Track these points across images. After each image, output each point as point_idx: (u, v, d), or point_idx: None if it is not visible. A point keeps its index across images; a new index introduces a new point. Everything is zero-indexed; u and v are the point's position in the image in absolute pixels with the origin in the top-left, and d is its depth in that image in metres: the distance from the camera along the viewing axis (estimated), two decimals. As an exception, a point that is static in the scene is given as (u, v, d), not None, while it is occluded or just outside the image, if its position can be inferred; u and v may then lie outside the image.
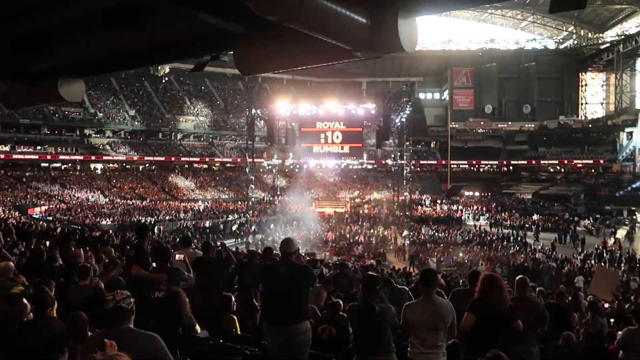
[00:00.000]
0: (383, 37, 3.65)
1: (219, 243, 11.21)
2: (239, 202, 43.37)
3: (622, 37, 59.50)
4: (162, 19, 4.08)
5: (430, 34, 68.21)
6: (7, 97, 6.47)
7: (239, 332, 4.56)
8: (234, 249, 14.46)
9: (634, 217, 36.99)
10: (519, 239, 29.81)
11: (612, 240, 28.37)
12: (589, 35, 66.72)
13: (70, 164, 48.00)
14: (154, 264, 5.25)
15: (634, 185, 48.55)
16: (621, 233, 31.54)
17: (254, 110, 39.36)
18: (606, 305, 9.92)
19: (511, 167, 63.39)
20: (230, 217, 36.02)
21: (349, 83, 70.14)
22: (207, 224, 32.93)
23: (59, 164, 47.27)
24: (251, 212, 37.62)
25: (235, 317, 4.66)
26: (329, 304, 5.10)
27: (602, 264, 22.17)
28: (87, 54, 5.28)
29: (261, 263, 6.99)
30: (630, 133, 55.35)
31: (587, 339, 5.56)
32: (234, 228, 32.34)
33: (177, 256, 6.46)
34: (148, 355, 2.49)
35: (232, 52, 4.79)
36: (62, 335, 1.83)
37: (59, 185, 42.83)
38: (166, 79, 62.51)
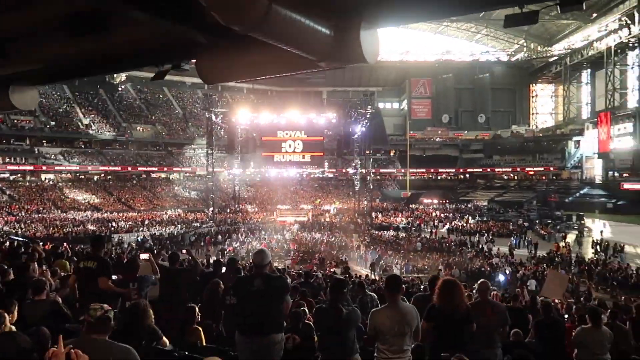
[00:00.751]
0: (346, 48, 3.74)
1: (184, 251, 10.98)
2: (199, 212, 42.61)
3: (569, 50, 62.72)
4: (126, 25, 4.03)
5: (389, 44, 69.63)
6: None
7: (204, 344, 4.50)
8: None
9: (582, 222, 38.75)
10: (475, 244, 30.66)
11: (563, 244, 29.58)
12: (539, 48, 69.96)
13: (19, 174, 45.91)
14: (114, 276, 5.11)
15: (582, 192, 51.00)
16: (571, 237, 32.94)
17: (213, 119, 38.92)
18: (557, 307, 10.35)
19: (467, 175, 65.29)
20: (193, 226, 35.31)
21: (309, 92, 70.53)
22: (167, 235, 32.13)
23: (7, 174, 45.12)
24: (211, 222, 37.08)
25: (200, 328, 4.60)
26: (292, 312, 5.11)
27: (554, 268, 23.07)
28: (45, 61, 5.13)
29: (226, 275, 6.89)
30: (578, 142, 58.24)
31: (544, 311, 5.91)
32: (192, 239, 31.69)
33: (142, 256, 6.34)
34: None
35: (194, 61, 4.77)
36: (27, 351, 1.77)
37: (7, 197, 40.85)
38: (122, 86, 60.94)
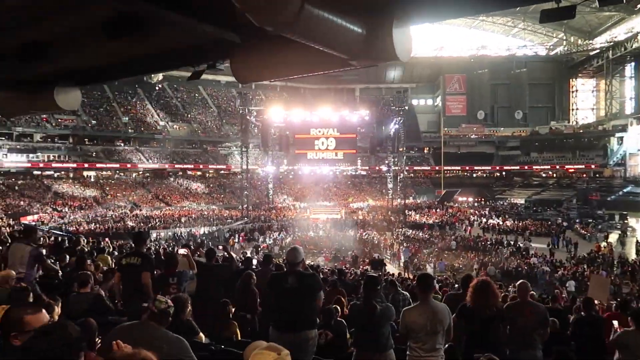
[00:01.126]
0: (378, 46, 3.73)
1: (220, 247, 11.22)
2: (233, 210, 43.27)
3: (612, 43, 60.25)
4: (162, 28, 4.15)
5: (423, 40, 68.72)
6: (4, 105, 6.49)
7: (239, 338, 4.59)
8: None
9: (626, 221, 37.31)
10: (512, 243, 29.97)
11: (605, 244, 28.57)
12: (579, 41, 67.50)
13: (62, 172, 47.75)
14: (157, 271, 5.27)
15: (625, 190, 49.00)
16: (613, 237, 31.78)
17: (247, 117, 39.42)
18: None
19: (504, 173, 63.78)
20: (228, 224, 35.93)
21: (342, 90, 70.44)
22: (202, 231, 32.82)
23: (52, 172, 47.02)
24: (245, 219, 37.59)
25: (235, 323, 4.69)
26: (324, 309, 5.15)
27: (595, 269, 22.33)
28: (86, 62, 5.33)
29: (262, 271, 6.99)
30: (621, 138, 55.93)
31: (585, 306, 5.82)
32: (227, 235, 32.24)
33: (180, 251, 6.50)
34: (175, 357, 2.65)
35: (228, 61, 4.86)
36: (78, 339, 1.86)
37: (53, 194, 42.57)
38: (159, 85, 62.46)
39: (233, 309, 4.98)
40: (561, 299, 8.91)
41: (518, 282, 4.87)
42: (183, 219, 36.81)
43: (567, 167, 58.76)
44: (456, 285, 11.68)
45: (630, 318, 5.01)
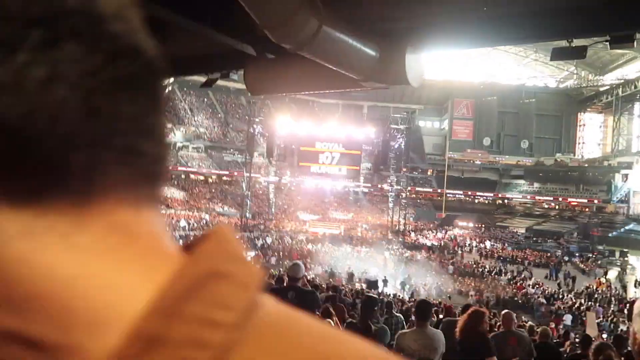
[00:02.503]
0: (391, 70, 3.81)
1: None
2: (233, 217, 43.27)
3: (622, 81, 60.53)
4: (180, 34, 4.25)
5: (433, 63, 69.20)
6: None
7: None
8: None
9: (626, 258, 37.14)
10: (510, 272, 29.87)
11: (604, 280, 28.46)
12: (590, 77, 67.86)
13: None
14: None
15: (627, 227, 48.84)
16: (612, 274, 31.63)
17: (254, 125, 39.65)
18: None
19: (506, 201, 63.72)
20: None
21: (350, 105, 70.76)
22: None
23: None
24: (244, 227, 37.59)
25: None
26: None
27: (592, 304, 22.22)
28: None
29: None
30: (626, 175, 55.91)
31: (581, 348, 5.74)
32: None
33: None
34: None
35: (242, 71, 4.96)
36: None
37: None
38: (170, 87, 62.94)
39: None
40: (554, 332, 8.86)
41: (503, 312, 4.88)
42: (182, 223, 36.82)
43: (570, 200, 58.67)
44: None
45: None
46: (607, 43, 3.53)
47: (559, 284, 27.66)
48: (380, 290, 20.45)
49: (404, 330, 4.28)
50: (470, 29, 3.58)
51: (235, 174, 55.10)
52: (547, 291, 24.83)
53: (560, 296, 24.00)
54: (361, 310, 4.23)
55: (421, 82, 3.67)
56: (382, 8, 3.54)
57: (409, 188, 45.13)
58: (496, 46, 13.31)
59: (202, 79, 5.58)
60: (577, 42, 3.68)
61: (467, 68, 73.14)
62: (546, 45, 59.68)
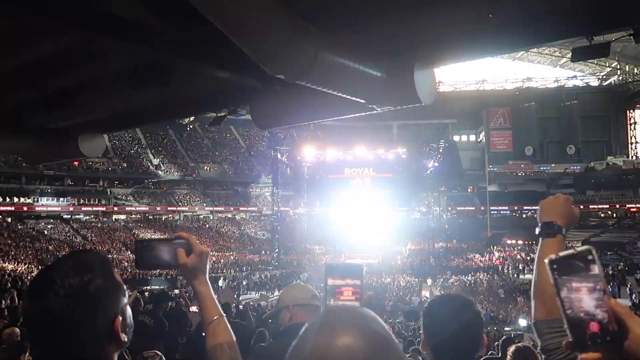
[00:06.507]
0: (399, 90, 3.79)
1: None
2: (265, 254, 43.37)
3: (671, 71, 58.81)
4: (183, 76, 4.37)
5: (463, 74, 68.96)
6: (31, 153, 6.88)
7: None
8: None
9: (699, 266, 35.28)
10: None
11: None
12: (635, 70, 66.09)
13: (92, 215, 49.37)
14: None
15: (696, 231, 46.55)
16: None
17: (279, 156, 40.11)
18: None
19: (557, 213, 61.75)
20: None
21: (379, 127, 70.72)
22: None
23: (81, 215, 48.67)
24: (277, 263, 37.58)
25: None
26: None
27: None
28: (110, 110, 5.63)
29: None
30: (688, 173, 53.64)
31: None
32: (257, 281, 32.21)
33: (192, 309, 6.47)
34: None
35: (249, 107, 5.06)
36: None
37: (81, 238, 43.93)
38: (190, 126, 64.59)
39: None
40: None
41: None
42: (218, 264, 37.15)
43: (628, 206, 56.45)
44: (496, 343, 11.18)
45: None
46: (631, 37, 3.45)
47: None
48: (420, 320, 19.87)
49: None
50: (479, 37, 3.56)
51: (264, 208, 55.43)
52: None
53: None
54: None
55: (434, 99, 3.64)
56: (384, 26, 3.56)
57: (449, 208, 44.38)
58: (510, 52, 13.24)
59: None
60: (598, 39, 3.61)
61: (499, 75, 72.57)
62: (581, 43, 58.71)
